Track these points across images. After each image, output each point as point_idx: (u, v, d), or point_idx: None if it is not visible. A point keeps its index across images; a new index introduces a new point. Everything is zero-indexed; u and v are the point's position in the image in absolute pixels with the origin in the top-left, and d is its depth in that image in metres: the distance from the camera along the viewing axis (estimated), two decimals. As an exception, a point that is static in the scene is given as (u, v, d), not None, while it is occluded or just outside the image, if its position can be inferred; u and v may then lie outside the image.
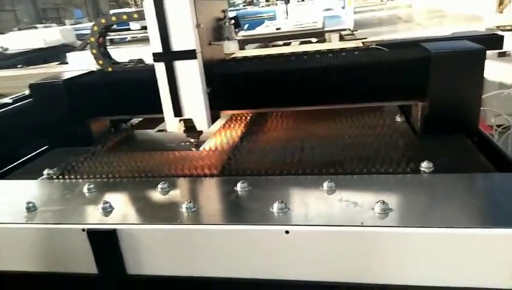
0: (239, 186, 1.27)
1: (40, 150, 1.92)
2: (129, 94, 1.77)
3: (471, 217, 1.02)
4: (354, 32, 7.63)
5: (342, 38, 6.61)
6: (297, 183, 1.29)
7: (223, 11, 1.80)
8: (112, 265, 1.17)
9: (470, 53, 1.46)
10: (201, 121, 1.58)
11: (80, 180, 1.50)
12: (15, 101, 2.62)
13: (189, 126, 1.61)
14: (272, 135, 1.78)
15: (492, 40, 1.70)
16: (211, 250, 1.11)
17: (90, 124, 1.93)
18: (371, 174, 1.30)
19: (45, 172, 1.58)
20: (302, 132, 1.78)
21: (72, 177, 1.55)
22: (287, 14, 12.22)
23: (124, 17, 1.92)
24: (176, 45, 1.48)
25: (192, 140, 1.69)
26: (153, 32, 1.49)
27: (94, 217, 1.21)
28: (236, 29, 1.85)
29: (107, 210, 1.23)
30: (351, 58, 1.73)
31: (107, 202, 1.24)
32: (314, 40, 6.26)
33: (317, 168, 1.36)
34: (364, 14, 22.75)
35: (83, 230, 1.16)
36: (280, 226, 1.05)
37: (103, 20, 1.93)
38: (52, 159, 1.77)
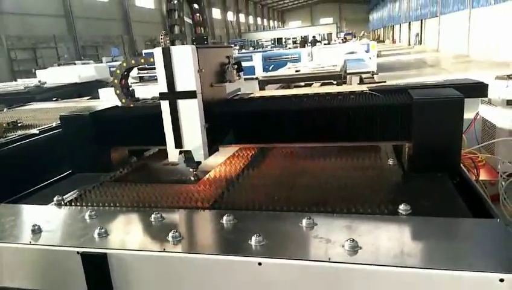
0: (225, 219, 1.36)
1: (63, 174, 2.09)
2: (146, 127, 1.95)
3: (435, 259, 1.06)
4: (374, 75, 7.79)
5: (362, 80, 6.76)
6: (280, 219, 1.36)
7: (228, 57, 1.97)
8: (100, 287, 1.26)
9: (448, 101, 1.55)
10: (199, 152, 1.74)
11: (84, 207, 1.63)
12: (41, 132, 2.86)
13: (189, 157, 1.77)
14: (269, 171, 1.88)
15: (477, 88, 1.79)
16: (191, 278, 1.19)
17: (110, 152, 2.11)
18: (350, 213, 1.36)
19: (55, 199, 1.72)
20: (297, 169, 1.87)
21: (78, 204, 1.68)
22: (312, 57, 12.60)
23: (142, 60, 2.14)
24: (180, 86, 1.68)
25: (191, 170, 1.85)
26: (161, 75, 1.69)
27: (89, 241, 1.32)
28: (239, 73, 2.04)
29: (102, 236, 1.34)
30: (345, 101, 1.84)
31: (102, 228, 1.35)
32: (334, 82, 6.43)
33: (301, 206, 1.44)
34: (391, 57, 23.00)
35: (78, 253, 1.27)
36: (254, 258, 1.12)
37: (124, 64, 2.14)
38: (69, 185, 1.93)
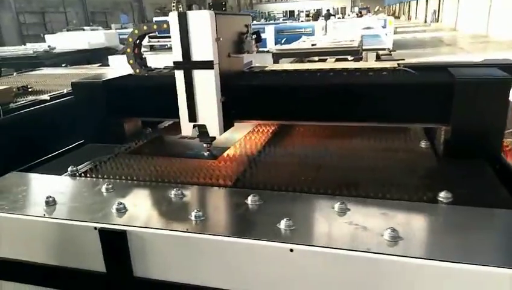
0: (250, 200, 1.27)
1: (74, 144, 2.02)
2: (161, 98, 1.85)
3: (482, 254, 0.97)
4: (392, 52, 7.53)
5: (378, 57, 6.54)
6: (309, 202, 1.27)
7: (246, 26, 1.84)
8: (119, 265, 1.20)
9: (495, 82, 1.42)
10: (213, 127, 1.64)
11: (100, 179, 1.55)
12: (52, 98, 2.77)
13: (203, 132, 1.68)
14: (291, 150, 1.78)
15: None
16: (215, 261, 1.12)
17: (123, 123, 2.03)
18: (385, 199, 1.27)
19: (69, 169, 1.64)
20: (322, 149, 1.77)
21: (94, 176, 1.60)
22: (326, 31, 12.25)
23: (155, 27, 2.01)
24: (196, 55, 1.57)
25: (204, 145, 1.76)
26: (176, 43, 1.58)
27: (107, 216, 1.25)
28: (257, 44, 1.91)
29: (121, 211, 1.26)
30: (377, 78, 1.72)
31: (121, 203, 1.28)
32: (350, 58, 6.22)
33: (331, 189, 1.35)
34: (406, 34, 22.38)
35: (95, 228, 1.20)
36: (285, 244, 1.04)
37: (136, 31, 2.01)
38: (82, 155, 1.86)
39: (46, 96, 2.82)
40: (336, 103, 1.66)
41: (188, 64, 1.58)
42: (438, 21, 32.57)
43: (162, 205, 1.32)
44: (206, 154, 1.77)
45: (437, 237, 1.05)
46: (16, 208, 1.33)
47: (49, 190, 1.47)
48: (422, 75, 1.67)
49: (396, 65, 2.05)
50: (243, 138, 1.97)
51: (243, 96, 1.75)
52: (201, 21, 1.54)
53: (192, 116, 1.64)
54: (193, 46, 1.56)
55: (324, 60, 6.19)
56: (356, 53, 5.89)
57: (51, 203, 1.34)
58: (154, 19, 14.97)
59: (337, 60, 6.13)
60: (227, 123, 1.70)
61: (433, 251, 0.99)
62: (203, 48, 1.56)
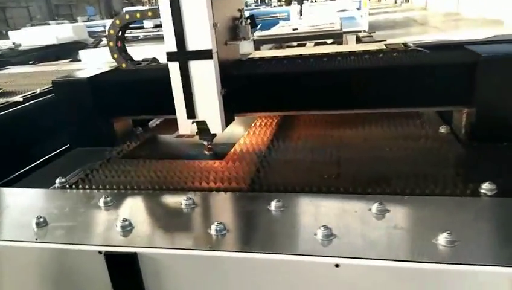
0: (273, 206, 1.12)
1: (59, 149, 1.81)
2: (153, 93, 1.68)
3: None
4: (372, 34, 7.46)
5: (358, 40, 6.44)
6: (341, 204, 1.13)
7: (240, 10, 1.67)
8: (131, 293, 1.04)
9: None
10: (215, 123, 1.49)
11: (95, 191, 1.37)
12: (25, 100, 2.52)
13: (202, 129, 1.52)
14: (302, 143, 1.63)
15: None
16: (246, 282, 0.97)
17: (113, 123, 1.84)
18: (424, 195, 1.15)
19: (57, 181, 1.45)
20: (335, 140, 1.63)
21: (87, 187, 1.41)
22: (301, 15, 12.06)
23: (138, 15, 1.82)
24: (192, 44, 1.40)
25: (205, 143, 1.61)
26: (168, 31, 1.41)
27: (112, 237, 1.07)
28: (252, 29, 1.75)
29: (127, 229, 1.09)
30: (390, 60, 1.60)
31: (126, 220, 1.10)
32: (329, 41, 6.10)
33: (361, 186, 1.21)
34: (378, 16, 22.45)
35: (100, 252, 1.02)
36: (329, 258, 0.90)
37: (118, 22, 1.81)
38: (69, 162, 1.67)
39: (18, 98, 2.56)
40: (348, 89, 1.54)
41: (183, 55, 1.42)
42: (408, 1, 32.89)
43: (173, 218, 1.15)
44: (208, 153, 1.62)
45: (499, 237, 0.94)
46: (1, 233, 1.14)
47: (37, 207, 1.28)
48: (438, 54, 1.55)
49: (384, 46, 1.94)
50: (246, 133, 1.81)
51: (244, 87, 1.59)
52: (196, 4, 1.37)
53: (191, 112, 1.48)
54: (188, 34, 1.39)
55: (303, 45, 6.07)
56: (338, 36, 5.78)
57: (41, 224, 1.15)
58: (125, 9, 14.39)
59: (316, 44, 6.01)
60: (228, 118, 1.55)
61: (499, 253, 0.88)
62: (200, 35, 1.39)
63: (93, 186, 1.41)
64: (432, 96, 1.49)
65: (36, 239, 1.09)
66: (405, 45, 2.18)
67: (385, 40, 4.85)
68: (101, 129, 1.78)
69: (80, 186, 1.42)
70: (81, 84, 1.74)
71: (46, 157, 1.73)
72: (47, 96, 2.21)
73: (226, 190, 1.29)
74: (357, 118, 1.79)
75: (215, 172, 1.43)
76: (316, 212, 1.10)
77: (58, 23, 13.53)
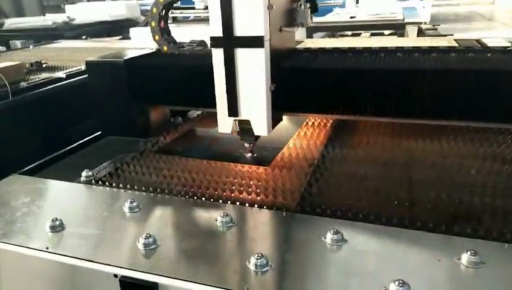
0: (329, 238, 0.90)
1: (91, 136, 1.68)
2: (195, 82, 1.49)
3: None
4: (436, 26, 6.88)
5: (420, 33, 5.93)
6: (418, 246, 0.88)
7: None
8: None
9: None
10: (260, 124, 1.27)
11: (122, 190, 1.20)
12: (69, 76, 2.42)
13: (245, 128, 1.30)
14: (364, 153, 1.38)
15: None
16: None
17: (149, 111, 1.68)
18: (530, 244, 0.87)
19: (84, 174, 1.30)
20: (404, 153, 1.36)
21: (114, 185, 1.25)
22: (357, 2, 11.45)
23: (183, -7, 1.61)
24: (240, 29, 1.18)
25: (246, 145, 1.40)
26: (214, 12, 1.20)
27: (132, 256, 0.89)
28: (312, 14, 1.48)
29: (150, 247, 0.91)
30: (475, 60, 1.29)
31: (150, 236, 0.92)
32: (386, 32, 5.66)
33: (444, 222, 0.95)
34: (439, 8, 21.08)
35: (115, 276, 0.85)
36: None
37: (161, 0, 1.62)
38: (100, 152, 1.53)
39: (61, 74, 2.47)
40: (428, 94, 1.25)
41: (230, 41, 1.20)
42: (473, -6, 30.68)
43: (206, 239, 0.95)
44: (248, 156, 1.40)
45: None
46: (10, 233, 1.00)
47: (56, 205, 1.14)
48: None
49: (454, 42, 1.61)
50: (296, 134, 1.57)
51: (298, 82, 1.35)
52: None
53: (233, 109, 1.27)
54: (237, 16, 1.17)
55: (358, 35, 5.66)
56: (401, 27, 5.33)
57: (57, 228, 1.00)
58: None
59: (372, 34, 5.58)
60: (276, 118, 1.32)
61: None
62: (252, 19, 1.17)
63: (121, 184, 1.25)
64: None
65: (47, 248, 0.93)
66: (479, 42, 1.83)
67: (452, 35, 4.37)
68: (135, 118, 1.62)
69: (107, 183, 1.26)
70: (116, 66, 1.58)
71: (76, 143, 1.59)
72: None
73: (271, 206, 1.08)
74: (431, 130, 1.49)
75: (258, 180, 1.22)
76: (385, 255, 0.86)
77: (114, 0, 13.76)
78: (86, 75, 2.22)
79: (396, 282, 0.74)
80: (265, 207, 1.07)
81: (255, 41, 1.18)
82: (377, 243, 0.89)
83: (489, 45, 1.62)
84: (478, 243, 0.85)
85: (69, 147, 1.57)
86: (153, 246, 0.91)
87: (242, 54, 1.21)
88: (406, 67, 1.29)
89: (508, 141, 1.40)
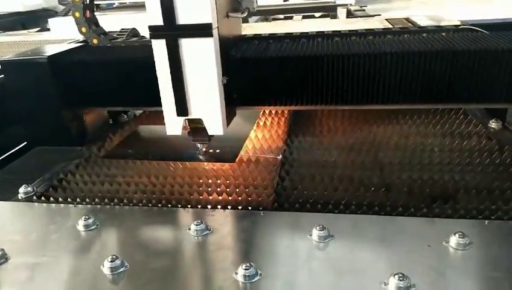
0: (315, 234, 0.85)
1: (16, 148, 1.46)
2: (134, 77, 1.32)
3: None
4: (364, 7, 7.12)
5: (350, 14, 6.09)
6: (405, 233, 0.86)
7: None
8: None
9: None
10: (214, 122, 1.15)
11: (72, 205, 1.05)
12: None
13: (197, 128, 1.18)
14: (328, 139, 1.35)
15: None
16: None
17: (83, 115, 1.47)
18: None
19: (22, 190, 1.12)
20: (368, 137, 1.35)
21: (61, 199, 1.09)
22: (285, -14, 11.54)
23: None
24: (184, 17, 1.04)
25: (199, 145, 1.28)
26: None
27: (97, 286, 0.77)
28: None
29: (118, 271, 0.79)
30: (441, 43, 1.29)
31: (116, 258, 0.80)
32: (317, 15, 5.75)
33: (424, 204, 0.94)
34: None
35: (82, 313, 0.72)
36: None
37: (84, -15, 1.43)
38: (31, 164, 1.32)
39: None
40: (386, 79, 1.21)
41: (172, 30, 1.05)
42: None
43: (184, 253, 0.85)
44: (210, 152, 1.30)
45: None
46: None
47: (-7, 231, 0.96)
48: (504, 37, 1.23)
49: (386, 22, 1.63)
50: (255, 126, 1.50)
51: (250, 73, 1.25)
52: None
53: (182, 108, 1.13)
54: (179, 1, 1.02)
55: (290, 18, 5.68)
56: (333, 9, 5.44)
57: (1, 259, 0.84)
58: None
59: (304, 17, 5.63)
60: (229, 114, 1.21)
61: None
62: (197, 4, 1.03)
63: (69, 198, 1.09)
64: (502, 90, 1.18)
65: (-10, 287, 0.78)
66: (408, 20, 1.85)
67: (379, 15, 4.52)
68: (67, 124, 1.41)
69: (52, 198, 1.10)
70: (38, 65, 1.35)
71: (0, 157, 1.37)
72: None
73: (245, 206, 1.00)
74: (387, 114, 1.50)
75: (226, 179, 1.14)
76: (375, 248, 0.82)
77: (24, -12, 12.50)
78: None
79: (396, 276, 0.70)
80: (240, 207, 1.00)
81: (202, 30, 1.05)
82: (364, 235, 0.86)
83: (420, 23, 1.66)
84: (461, 223, 0.85)
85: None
86: (121, 269, 0.79)
87: (188, 45, 1.07)
88: (357, 51, 1.21)
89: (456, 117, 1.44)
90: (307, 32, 1.50)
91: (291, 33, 1.50)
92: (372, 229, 0.87)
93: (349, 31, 1.48)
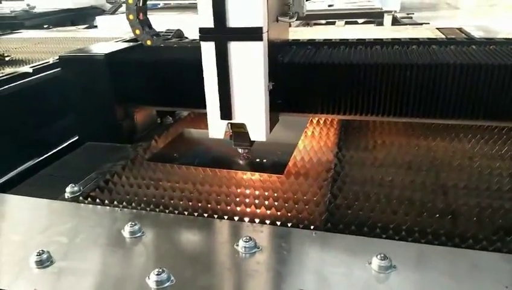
0: (375, 264, 0.77)
1: (67, 142, 1.48)
2: (186, 79, 1.31)
3: None
4: (411, 15, 6.89)
5: (395, 21, 5.91)
6: (480, 269, 0.77)
7: None
8: None
9: None
10: (257, 128, 1.12)
11: (118, 209, 1.02)
12: (36, 71, 2.17)
13: (239, 133, 1.15)
14: (381, 157, 1.26)
15: None
16: None
17: (133, 114, 1.49)
18: None
19: (68, 189, 1.11)
20: (429, 155, 1.25)
21: (107, 201, 1.07)
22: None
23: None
24: (235, 20, 1.02)
25: (240, 151, 1.25)
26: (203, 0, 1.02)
27: (143, 300, 0.73)
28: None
29: (163, 286, 0.75)
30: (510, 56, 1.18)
31: (163, 271, 0.76)
32: (360, 21, 5.60)
33: (495, 235, 0.85)
34: (405, -4, 21.37)
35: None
36: None
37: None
38: (81, 161, 1.33)
39: (27, 68, 2.21)
40: (448, 91, 1.13)
41: (222, 33, 1.03)
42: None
43: (228, 272, 0.80)
44: (241, 161, 1.26)
45: None
46: (-14, 273, 0.81)
47: (40, 231, 0.94)
48: None
49: (437, 31, 1.50)
50: (303, 135, 1.44)
51: (297, 79, 1.21)
52: None
53: (226, 111, 1.11)
54: (231, 4, 1.00)
55: (333, 23, 5.56)
56: (379, 16, 5.29)
57: (44, 262, 0.82)
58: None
59: (347, 23, 5.50)
60: (272, 120, 1.18)
61: None
62: (249, 7, 1.00)
63: (115, 200, 1.07)
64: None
65: (35, 291, 0.76)
66: (461, 30, 1.74)
67: (428, 23, 4.32)
68: (119, 121, 1.43)
69: (98, 199, 1.08)
70: (96, 62, 1.37)
71: (50, 152, 1.38)
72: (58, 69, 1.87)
73: (296, 223, 0.94)
74: (446, 130, 1.40)
75: (274, 191, 1.08)
76: (449, 283, 0.74)
77: (75, -13, 13.03)
78: (55, 70, 2.00)
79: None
80: (289, 225, 0.94)
81: (252, 33, 1.02)
82: (431, 269, 0.77)
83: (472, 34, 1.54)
84: None
85: (43, 157, 1.36)
86: (167, 284, 0.76)
87: (237, 48, 1.05)
88: (414, 61, 1.14)
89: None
90: (364, 39, 1.42)
91: (347, 39, 1.43)
92: (440, 262, 0.78)
93: (410, 39, 1.39)
